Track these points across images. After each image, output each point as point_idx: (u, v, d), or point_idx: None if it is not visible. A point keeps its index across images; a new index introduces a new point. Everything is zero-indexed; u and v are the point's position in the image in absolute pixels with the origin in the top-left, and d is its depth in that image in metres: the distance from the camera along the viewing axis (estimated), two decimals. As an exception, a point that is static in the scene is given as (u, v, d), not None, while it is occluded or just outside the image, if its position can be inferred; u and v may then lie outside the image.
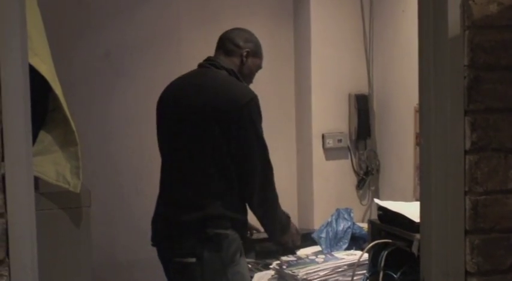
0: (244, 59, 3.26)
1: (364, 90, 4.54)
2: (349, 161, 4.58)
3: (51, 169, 2.20)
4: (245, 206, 3.18)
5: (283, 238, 3.27)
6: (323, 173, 4.53)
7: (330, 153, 4.53)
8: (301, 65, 4.62)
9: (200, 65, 3.27)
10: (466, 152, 1.75)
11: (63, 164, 2.22)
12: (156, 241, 3.17)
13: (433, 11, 1.78)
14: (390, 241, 2.55)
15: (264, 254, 4.01)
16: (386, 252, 2.51)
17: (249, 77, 3.34)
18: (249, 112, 3.04)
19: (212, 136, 3.02)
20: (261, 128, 3.11)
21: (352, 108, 4.52)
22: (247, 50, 3.26)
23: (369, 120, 4.53)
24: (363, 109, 4.50)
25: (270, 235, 3.27)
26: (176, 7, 4.39)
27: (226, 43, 3.30)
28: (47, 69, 2.16)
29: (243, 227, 3.17)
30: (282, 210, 3.24)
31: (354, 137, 4.54)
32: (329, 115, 4.52)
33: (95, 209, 4.15)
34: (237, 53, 3.26)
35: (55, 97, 2.21)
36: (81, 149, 4.04)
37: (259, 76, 4.55)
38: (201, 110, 3.07)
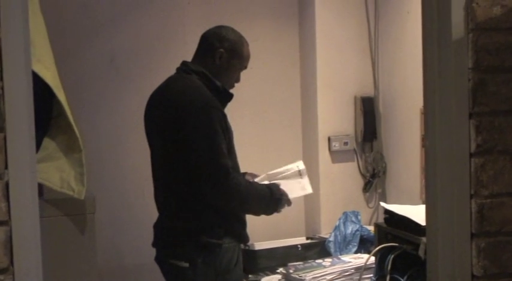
0: (218, 60, 3.17)
1: (370, 92, 4.53)
2: (355, 163, 4.57)
3: (55, 176, 2.19)
4: (242, 214, 3.18)
5: (276, 210, 3.23)
6: (329, 176, 4.52)
7: (336, 156, 4.52)
8: (306, 68, 4.61)
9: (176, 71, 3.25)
10: (471, 155, 1.74)
11: (67, 170, 2.22)
12: (154, 244, 3.19)
13: (437, 13, 1.78)
14: (397, 244, 2.54)
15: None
16: (392, 256, 2.50)
17: (228, 78, 3.22)
18: (197, 118, 2.96)
19: (177, 146, 3.00)
20: (213, 135, 2.96)
21: (358, 111, 4.51)
22: (221, 50, 3.16)
23: (374, 123, 4.52)
24: (368, 111, 4.49)
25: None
26: (181, 11, 4.39)
27: (202, 43, 3.24)
28: (50, 76, 2.16)
29: (240, 235, 3.16)
30: (259, 192, 3.13)
31: (360, 140, 4.53)
32: (335, 118, 4.52)
33: (101, 214, 4.17)
34: (210, 53, 3.17)
35: (59, 103, 2.21)
36: (87, 154, 4.07)
37: (264, 79, 4.58)
38: (161, 119, 3.07)
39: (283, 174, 3.35)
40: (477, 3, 1.72)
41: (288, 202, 3.25)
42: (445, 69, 1.76)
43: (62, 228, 2.22)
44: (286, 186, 3.28)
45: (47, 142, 2.21)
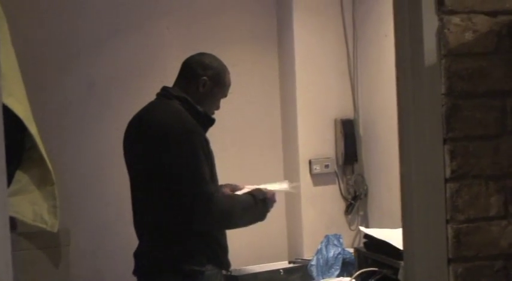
0: (201, 88, 3.16)
1: (350, 115, 4.55)
2: (336, 186, 4.57)
3: (28, 209, 2.18)
4: (224, 239, 3.16)
5: (267, 211, 3.20)
6: (311, 199, 4.52)
7: (318, 179, 4.53)
8: (286, 91, 4.62)
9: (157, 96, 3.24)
10: (446, 180, 1.74)
11: (40, 203, 2.20)
12: (135, 272, 3.17)
13: (409, 39, 1.79)
14: (376, 269, 2.54)
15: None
16: (373, 280, 2.50)
17: (210, 105, 3.22)
18: (179, 144, 2.95)
19: (158, 172, 2.99)
20: (196, 161, 2.95)
21: (338, 134, 4.52)
22: (204, 78, 3.15)
23: (355, 145, 4.53)
24: (349, 134, 4.50)
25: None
26: (160, 36, 4.40)
27: (185, 70, 3.23)
28: (22, 109, 2.15)
29: (222, 261, 3.14)
30: (242, 202, 3.12)
31: (341, 162, 4.54)
32: (315, 141, 4.52)
33: (84, 244, 4.17)
34: (194, 81, 3.15)
35: (31, 136, 2.20)
36: (68, 182, 4.05)
37: (244, 103, 4.58)
38: (142, 146, 3.06)
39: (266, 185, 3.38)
40: (449, 29, 1.73)
41: (272, 198, 3.22)
42: (418, 95, 1.76)
43: (36, 261, 2.20)
44: (266, 185, 3.28)
45: (19, 175, 2.19)
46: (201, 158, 2.95)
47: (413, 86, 1.77)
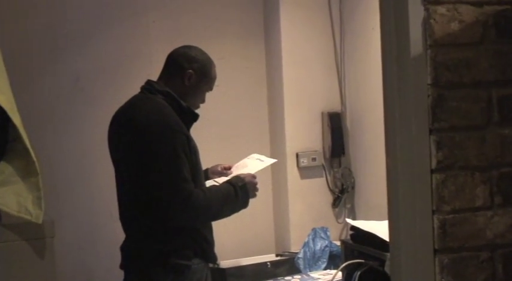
0: (187, 81, 3.13)
1: (337, 108, 4.55)
2: (324, 179, 4.58)
3: (12, 200, 2.16)
4: (210, 233, 3.15)
5: (249, 197, 3.16)
6: (298, 192, 4.52)
7: (305, 172, 4.53)
8: (273, 85, 4.61)
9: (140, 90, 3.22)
10: (432, 171, 1.74)
11: (24, 195, 2.19)
12: (122, 266, 3.16)
13: (395, 30, 1.78)
14: (363, 261, 2.54)
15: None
16: (359, 272, 2.49)
17: (194, 99, 3.19)
18: (159, 143, 2.92)
19: (139, 169, 2.97)
20: (175, 160, 2.92)
21: (326, 127, 4.52)
22: (190, 71, 3.13)
23: (342, 138, 4.53)
24: (336, 127, 4.50)
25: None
26: (146, 29, 4.39)
27: (170, 63, 3.20)
28: (5, 100, 2.13)
29: (208, 255, 3.14)
30: (221, 192, 3.07)
31: (328, 155, 4.54)
32: (303, 134, 4.52)
33: (69, 237, 4.16)
34: (179, 75, 3.13)
35: (14, 127, 2.18)
36: (53, 176, 4.04)
37: (231, 97, 4.58)
38: (124, 141, 3.04)
39: (244, 161, 3.37)
40: (435, 19, 1.73)
41: (252, 181, 3.20)
42: (404, 85, 1.76)
43: (21, 253, 2.18)
44: (248, 168, 3.28)
45: (3, 166, 2.18)
46: (181, 157, 2.93)
47: (399, 77, 1.77)
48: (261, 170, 3.43)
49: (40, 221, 2.23)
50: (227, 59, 4.51)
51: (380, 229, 2.54)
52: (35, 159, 2.22)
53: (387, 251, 2.29)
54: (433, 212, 1.75)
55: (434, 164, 1.73)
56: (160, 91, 3.10)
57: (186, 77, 3.13)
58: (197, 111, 3.24)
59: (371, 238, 2.56)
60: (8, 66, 2.32)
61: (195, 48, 3.23)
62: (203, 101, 3.26)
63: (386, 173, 1.85)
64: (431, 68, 1.73)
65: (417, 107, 1.74)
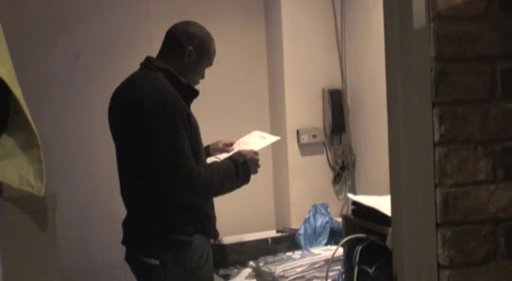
0: (187, 58, 3.12)
1: (338, 85, 4.53)
2: (324, 156, 4.57)
3: (14, 173, 2.16)
4: (211, 209, 3.16)
5: (250, 173, 3.16)
6: (299, 169, 4.52)
7: (305, 149, 4.52)
8: (273, 62, 4.60)
9: (140, 66, 3.21)
10: (435, 145, 1.74)
11: (26, 168, 2.18)
12: (124, 242, 3.17)
13: (398, 3, 1.77)
14: (364, 235, 2.54)
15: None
16: (360, 247, 2.50)
17: (194, 76, 3.19)
18: (159, 119, 2.92)
19: (139, 145, 2.97)
20: (175, 136, 2.92)
21: (326, 104, 4.51)
22: (190, 48, 3.11)
23: (343, 115, 4.52)
24: (336, 104, 4.49)
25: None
26: (145, 6, 4.36)
27: (169, 40, 3.18)
28: (5, 72, 2.11)
29: (210, 231, 3.14)
30: (222, 169, 3.06)
31: (328, 132, 4.53)
32: (303, 111, 4.51)
33: (69, 213, 4.17)
34: (179, 52, 3.11)
35: (15, 100, 2.17)
36: (54, 152, 4.03)
37: (231, 74, 4.56)
38: (124, 118, 3.04)
39: (245, 138, 3.38)
40: (438, -8, 1.72)
41: (254, 157, 3.20)
42: (407, 59, 1.75)
43: (23, 226, 2.18)
44: (250, 145, 3.28)
45: (4, 139, 2.17)
46: (181, 133, 2.93)
47: (402, 50, 1.76)
48: (264, 147, 3.43)
49: (42, 194, 2.22)
50: (227, 36, 4.50)
51: (381, 203, 2.53)
52: (36, 131, 2.21)
53: (389, 225, 2.30)
54: (436, 186, 1.75)
55: (437, 138, 1.73)
56: (159, 68, 3.09)
57: (186, 54, 3.12)
58: (197, 87, 3.23)
59: (372, 213, 2.56)
60: (8, 42, 2.31)
61: (194, 24, 3.21)
62: (203, 77, 3.25)
63: (388, 147, 1.84)
64: (435, 41, 1.72)
65: (420, 80, 1.73)
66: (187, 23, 3.20)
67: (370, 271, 2.49)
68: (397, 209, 1.83)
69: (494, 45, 1.76)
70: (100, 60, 4.29)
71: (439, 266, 1.75)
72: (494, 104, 1.77)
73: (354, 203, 2.73)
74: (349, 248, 2.64)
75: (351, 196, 2.90)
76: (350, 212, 2.82)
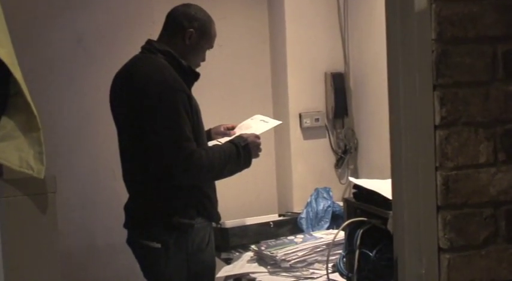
0: (188, 40, 3.13)
1: (340, 68, 4.52)
2: (327, 140, 4.56)
3: (14, 155, 2.16)
4: (213, 192, 3.16)
5: (251, 156, 3.19)
6: (301, 153, 4.51)
7: (308, 132, 4.51)
8: (276, 45, 4.58)
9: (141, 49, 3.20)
10: (436, 127, 1.73)
11: (26, 149, 2.19)
12: (126, 225, 3.18)
13: (399, -16, 1.75)
14: (365, 219, 2.53)
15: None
16: (361, 230, 2.49)
17: (195, 58, 3.20)
18: (160, 102, 2.93)
19: (141, 128, 2.97)
20: (176, 119, 2.93)
21: (329, 87, 4.49)
22: (191, 30, 3.13)
23: (345, 99, 4.50)
24: (339, 88, 4.47)
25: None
26: (148, -11, 4.35)
27: (170, 22, 3.18)
28: (5, 53, 2.11)
29: (211, 214, 3.15)
30: (223, 152, 3.09)
31: (331, 116, 4.52)
32: (306, 94, 4.50)
33: (72, 196, 4.18)
34: (180, 34, 3.13)
35: (15, 82, 2.17)
36: (56, 135, 4.04)
37: (234, 57, 4.55)
38: (126, 101, 3.05)
39: (247, 122, 3.39)
40: (439, -26, 1.70)
41: (255, 141, 3.20)
42: (408, 41, 1.74)
43: (23, 208, 2.19)
44: (251, 129, 3.28)
45: (4, 120, 2.17)
46: (182, 115, 2.93)
47: (403, 32, 1.75)
48: (265, 131, 3.43)
49: (42, 176, 2.23)
50: (229, 18, 4.48)
51: (383, 187, 2.53)
52: (36, 113, 2.21)
53: (390, 209, 2.29)
54: (436, 168, 1.74)
55: (438, 120, 1.72)
56: (160, 50, 3.09)
57: (187, 36, 3.13)
58: (200, 70, 3.23)
59: (374, 196, 2.55)
60: (9, 24, 2.30)
61: (195, 6, 3.21)
62: (203, 59, 3.26)
63: (389, 130, 1.84)
64: (436, 23, 1.71)
65: (421, 62, 1.72)
66: (187, 5, 3.20)
67: (371, 254, 2.48)
68: (398, 192, 1.82)
69: (495, 26, 1.75)
70: (102, 43, 4.29)
71: (440, 250, 1.75)
72: (495, 86, 1.75)
73: (356, 186, 2.73)
74: (350, 231, 2.63)
75: (352, 179, 2.90)
76: (351, 195, 2.82)
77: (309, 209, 4.04)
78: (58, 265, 2.34)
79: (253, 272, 3.38)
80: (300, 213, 4.09)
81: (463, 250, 1.75)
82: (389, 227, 2.37)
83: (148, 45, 3.15)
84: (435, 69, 1.71)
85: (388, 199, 2.40)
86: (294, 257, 3.31)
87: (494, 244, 1.77)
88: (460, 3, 1.71)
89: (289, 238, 3.61)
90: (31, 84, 2.30)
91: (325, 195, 4.09)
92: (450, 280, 1.74)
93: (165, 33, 3.18)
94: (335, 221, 3.95)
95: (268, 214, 4.27)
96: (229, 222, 3.95)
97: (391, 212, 2.32)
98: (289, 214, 4.25)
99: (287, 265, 3.30)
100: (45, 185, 2.26)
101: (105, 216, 4.22)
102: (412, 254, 1.78)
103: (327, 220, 3.98)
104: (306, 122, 4.47)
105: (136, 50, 3.23)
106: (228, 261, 3.63)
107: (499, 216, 1.77)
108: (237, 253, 3.72)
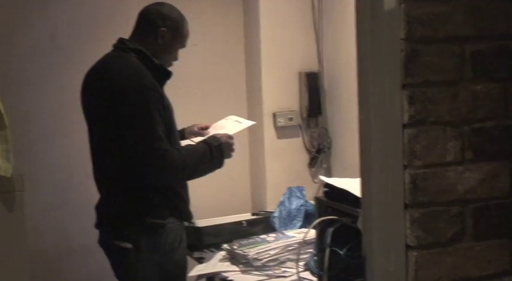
0: (160, 39, 3.12)
1: (314, 68, 4.53)
2: (300, 139, 4.57)
3: (-20, 154, 2.15)
4: (185, 192, 3.16)
5: (224, 157, 3.19)
6: (275, 152, 4.52)
7: (282, 131, 4.52)
8: (251, 44, 4.59)
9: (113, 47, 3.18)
10: (404, 126, 1.74)
11: None
12: (97, 225, 3.16)
13: (369, -16, 1.77)
14: (336, 217, 2.54)
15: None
16: (332, 229, 2.49)
17: (167, 57, 3.19)
18: (132, 101, 2.92)
19: (112, 128, 2.96)
20: (148, 118, 2.92)
21: (303, 87, 4.50)
22: (163, 29, 3.12)
23: (319, 98, 4.52)
24: (313, 87, 4.49)
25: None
26: (122, -13, 4.33)
27: (142, 21, 3.17)
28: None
29: (184, 213, 3.14)
30: (196, 152, 3.09)
31: (305, 115, 4.53)
32: (280, 94, 4.50)
33: (47, 196, 4.15)
34: (152, 33, 3.11)
35: None
36: (29, 134, 4.01)
37: (208, 55, 4.55)
38: (96, 100, 3.03)
39: (221, 122, 3.38)
40: (409, -27, 1.72)
41: (228, 141, 3.20)
42: (377, 40, 1.75)
43: (-10, 207, 2.17)
44: (225, 129, 3.28)
45: None
46: (154, 115, 2.92)
47: (373, 31, 1.76)
48: (239, 131, 3.43)
49: (9, 175, 2.21)
50: (204, 18, 4.48)
51: (353, 185, 2.53)
52: (3, 111, 2.19)
53: (360, 207, 2.30)
54: (405, 167, 1.75)
55: (406, 119, 1.74)
56: (132, 49, 3.08)
57: (159, 34, 3.12)
58: (174, 70, 3.22)
59: (344, 195, 2.56)
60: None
61: (168, 5, 3.20)
62: (176, 58, 3.25)
63: (358, 128, 1.85)
64: (405, 23, 1.72)
65: (390, 61, 1.73)
66: (160, 4, 3.19)
67: (341, 252, 2.49)
68: (367, 190, 1.84)
69: (464, 27, 1.76)
70: (75, 40, 4.26)
71: (407, 247, 1.76)
72: (464, 85, 1.77)
73: (327, 185, 2.73)
74: (321, 230, 2.63)
75: (323, 178, 2.90)
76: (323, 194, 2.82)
77: (282, 208, 4.05)
78: (27, 265, 2.33)
79: (225, 271, 3.39)
80: (273, 212, 4.10)
81: (430, 247, 1.77)
82: (360, 225, 2.37)
83: (120, 44, 3.13)
84: (404, 68, 1.73)
85: (358, 198, 2.40)
86: (266, 256, 3.32)
87: (462, 242, 1.79)
88: (429, 3, 1.73)
89: (261, 236, 3.62)
90: (3, 81, 2.29)
91: (298, 194, 4.10)
92: (418, 277, 1.76)
93: (138, 32, 3.17)
94: (308, 220, 3.96)
95: (242, 213, 4.28)
96: (202, 221, 3.96)
97: (360, 210, 2.33)
98: (262, 212, 4.26)
99: (259, 263, 3.31)
100: (12, 184, 2.24)
101: (79, 215, 4.19)
102: (380, 251, 1.80)
103: (300, 219, 3.99)
104: (279, 121, 4.48)
105: (109, 47, 3.22)
106: (200, 260, 3.63)
107: (466, 214, 1.79)
108: (210, 252, 3.72)
